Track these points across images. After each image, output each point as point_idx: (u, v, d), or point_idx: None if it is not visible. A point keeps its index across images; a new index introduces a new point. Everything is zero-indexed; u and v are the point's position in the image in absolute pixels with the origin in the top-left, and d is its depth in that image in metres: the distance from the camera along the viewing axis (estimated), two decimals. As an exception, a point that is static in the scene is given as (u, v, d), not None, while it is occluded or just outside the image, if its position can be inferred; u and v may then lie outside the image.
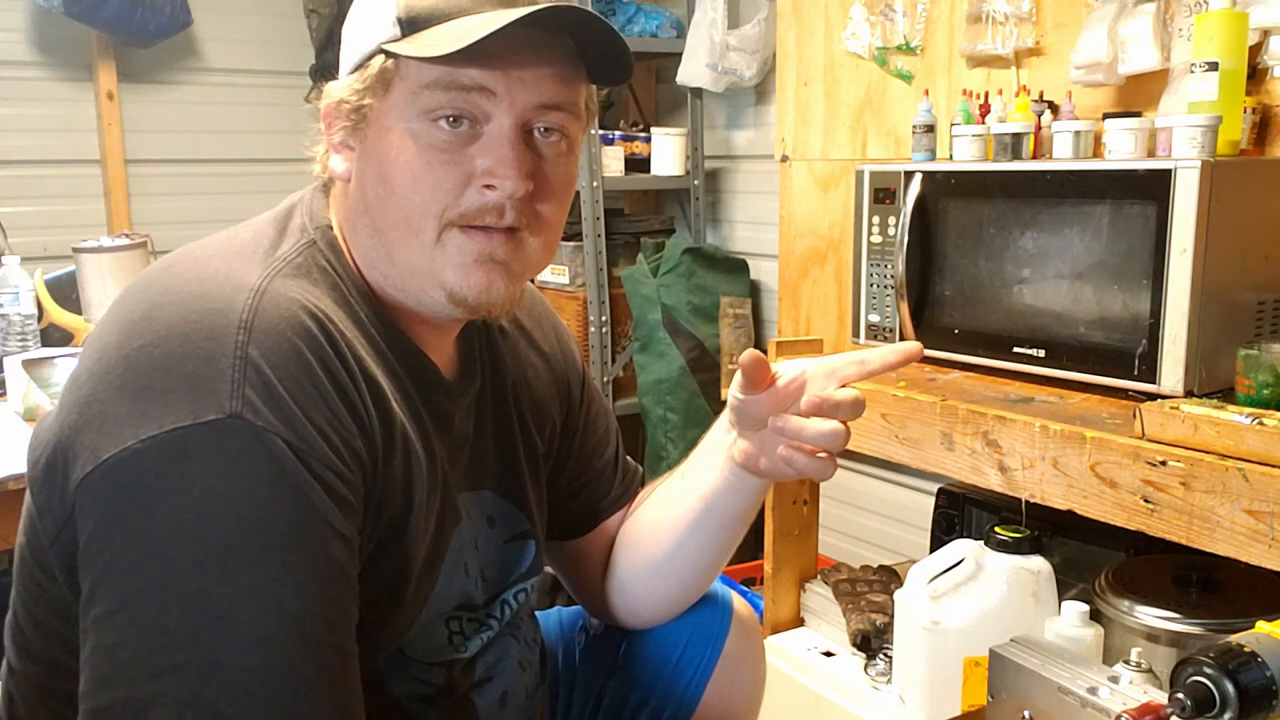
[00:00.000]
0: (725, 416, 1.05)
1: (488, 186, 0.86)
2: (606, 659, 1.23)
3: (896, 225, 1.77)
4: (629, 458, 1.25)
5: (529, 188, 0.86)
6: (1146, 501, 1.30)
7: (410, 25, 0.85)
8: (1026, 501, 1.46)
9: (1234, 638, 0.95)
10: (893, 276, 1.79)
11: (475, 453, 1.02)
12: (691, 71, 2.76)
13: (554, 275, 3.00)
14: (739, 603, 1.25)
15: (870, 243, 1.85)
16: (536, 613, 1.21)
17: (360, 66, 0.88)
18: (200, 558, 0.73)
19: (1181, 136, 1.45)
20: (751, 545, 2.75)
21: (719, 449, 1.06)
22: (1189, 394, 1.40)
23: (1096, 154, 1.62)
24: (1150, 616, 1.44)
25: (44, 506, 0.80)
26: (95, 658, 0.73)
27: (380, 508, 0.85)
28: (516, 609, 1.07)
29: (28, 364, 1.84)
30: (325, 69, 0.96)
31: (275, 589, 0.74)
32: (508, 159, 0.85)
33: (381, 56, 0.86)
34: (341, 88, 0.89)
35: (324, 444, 0.78)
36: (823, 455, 0.96)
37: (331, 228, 0.92)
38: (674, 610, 1.19)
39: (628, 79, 0.92)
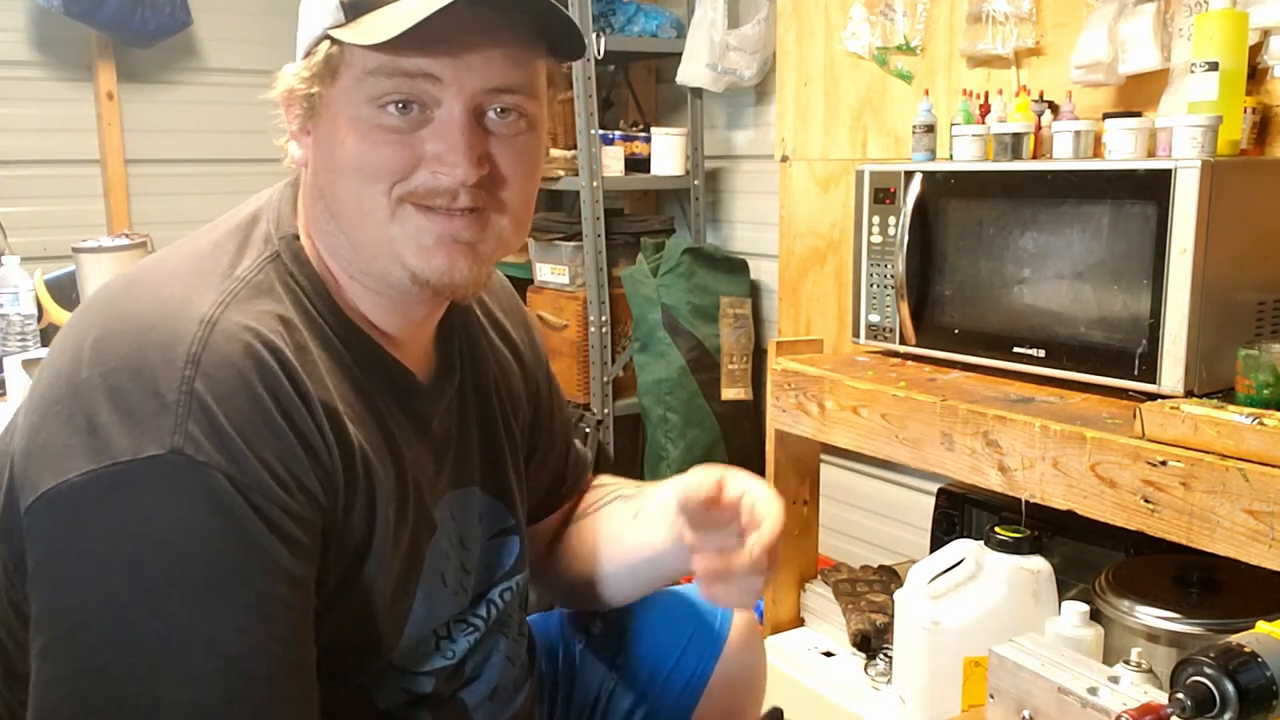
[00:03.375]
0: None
1: (434, 171, 0.84)
2: (606, 659, 1.23)
3: (896, 225, 1.77)
4: (577, 443, 1.26)
5: (482, 173, 0.85)
6: (1146, 501, 1.30)
7: (353, 9, 0.83)
8: (1026, 501, 1.46)
9: (1234, 638, 0.95)
10: (893, 276, 1.79)
11: (460, 450, 1.01)
12: (691, 71, 2.76)
13: (554, 275, 3.00)
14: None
15: (870, 243, 1.85)
16: (539, 615, 1.21)
17: (309, 53, 0.86)
18: (138, 593, 0.72)
19: (1181, 136, 1.45)
20: (751, 545, 2.75)
21: (672, 517, 1.01)
22: (1189, 394, 1.40)
23: (1096, 154, 1.62)
24: (1150, 616, 1.44)
25: (4, 530, 0.79)
26: (37, 690, 0.73)
27: (343, 536, 0.84)
28: (503, 607, 1.06)
29: (28, 364, 1.84)
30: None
31: (214, 626, 0.73)
32: (457, 145, 0.83)
33: (327, 42, 0.84)
34: (292, 75, 0.87)
35: (270, 479, 0.77)
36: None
37: (298, 236, 0.90)
38: (603, 608, 1.21)
39: (582, 54, 0.91)
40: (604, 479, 1.26)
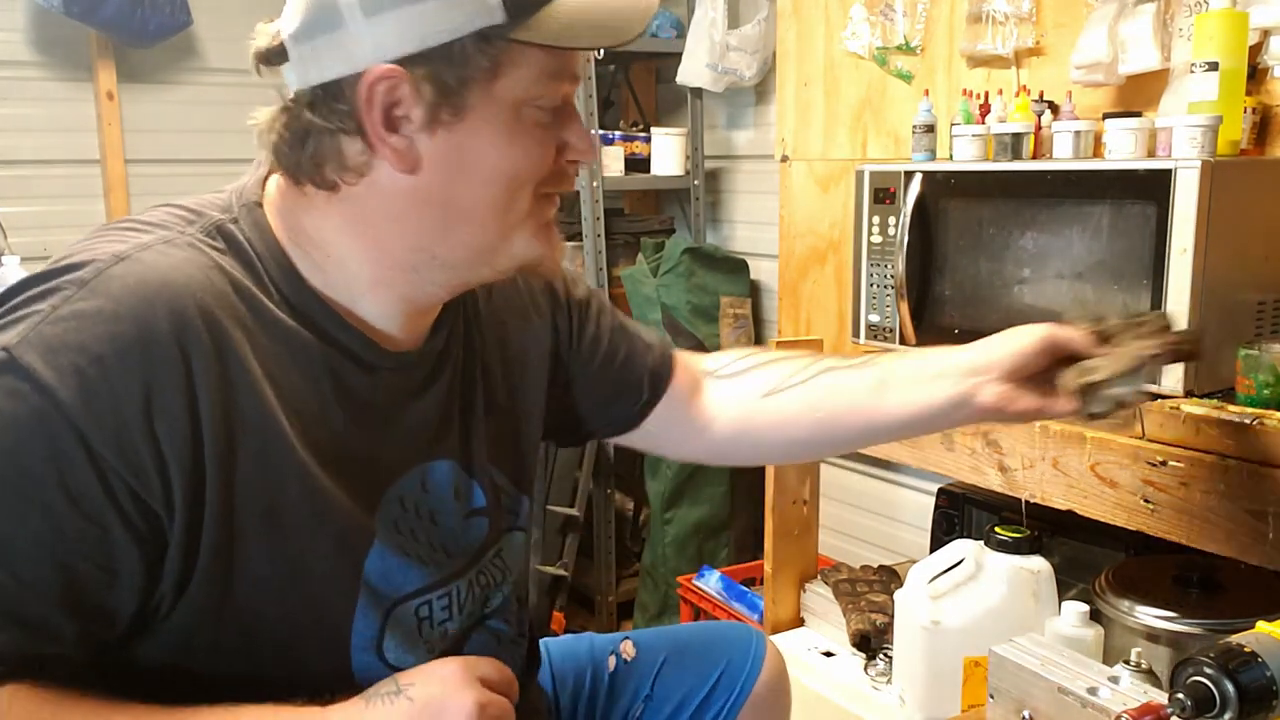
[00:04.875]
0: (968, 362, 1.13)
1: (573, 160, 0.89)
2: (635, 687, 1.23)
3: (897, 225, 1.77)
4: (647, 338, 1.22)
5: None
6: (1147, 501, 1.30)
7: (517, 7, 0.81)
8: (1026, 501, 1.46)
9: (1234, 638, 0.95)
10: (893, 276, 1.79)
11: (443, 421, 0.99)
12: (691, 71, 2.76)
13: (554, 275, 3.00)
14: (770, 645, 1.26)
15: (870, 243, 1.85)
16: (569, 636, 1.22)
17: (445, 51, 0.80)
18: None
19: (1181, 136, 1.45)
20: (752, 545, 2.76)
21: (951, 385, 1.11)
22: (1189, 394, 1.40)
23: (1097, 154, 1.62)
24: (1150, 617, 1.44)
25: None
26: None
27: (224, 494, 0.81)
28: (479, 593, 1.02)
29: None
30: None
31: None
32: (584, 133, 0.89)
33: (484, 42, 0.81)
34: (430, 76, 0.81)
35: (87, 413, 0.75)
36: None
37: (260, 205, 0.89)
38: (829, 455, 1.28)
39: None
40: (736, 354, 1.26)
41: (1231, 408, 1.27)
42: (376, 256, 0.88)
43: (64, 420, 0.74)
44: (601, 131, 2.83)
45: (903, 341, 1.80)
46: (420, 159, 0.84)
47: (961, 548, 1.62)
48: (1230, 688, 0.91)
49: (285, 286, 0.87)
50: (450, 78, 0.81)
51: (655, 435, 1.21)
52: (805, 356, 1.22)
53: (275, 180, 0.91)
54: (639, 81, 3.24)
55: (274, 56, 0.84)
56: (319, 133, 0.84)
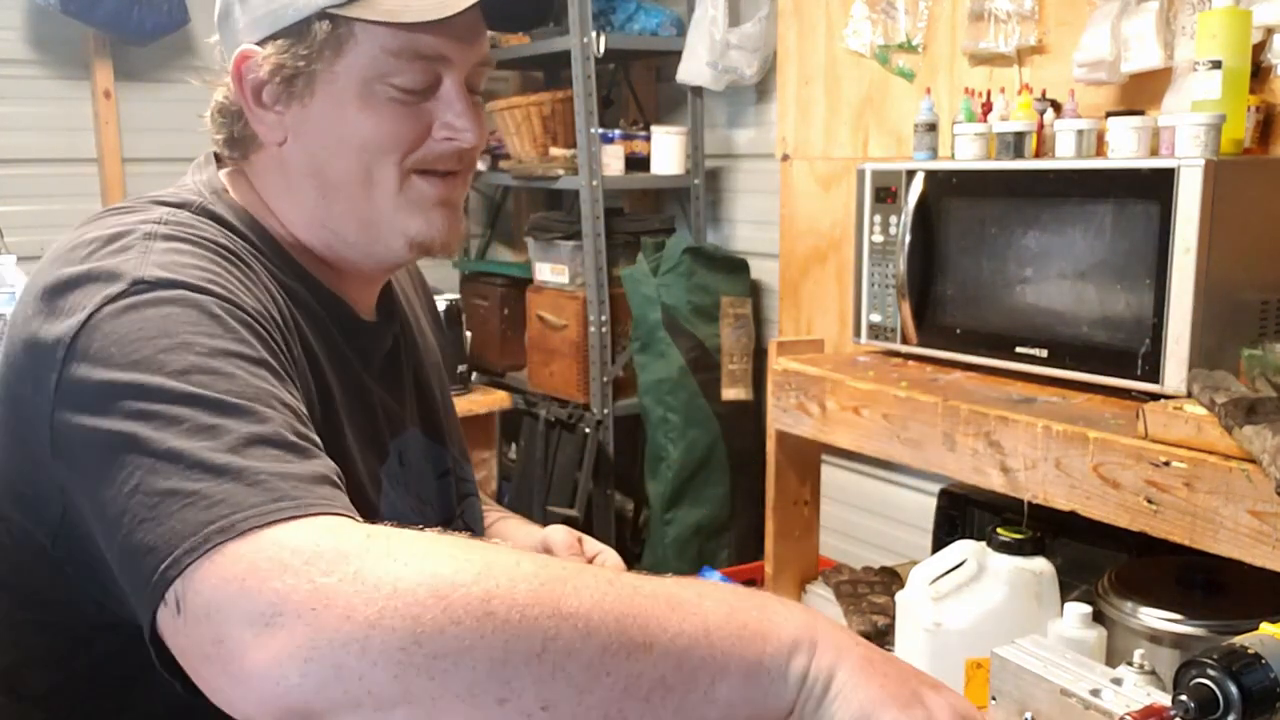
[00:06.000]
0: None
1: (448, 139, 0.91)
2: None
3: (898, 224, 1.77)
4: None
5: (485, 138, 0.93)
6: (1150, 502, 1.29)
7: None
8: (1029, 502, 1.46)
9: (1238, 639, 0.95)
10: (894, 276, 1.78)
11: (413, 393, 1.06)
12: (692, 70, 2.75)
13: (554, 275, 2.99)
14: None
15: (872, 242, 1.84)
16: None
17: (295, 30, 0.87)
18: None
19: (1185, 135, 1.45)
20: (753, 546, 2.75)
21: None
22: (1192, 394, 1.40)
23: (1099, 153, 1.61)
24: (1153, 618, 1.43)
25: None
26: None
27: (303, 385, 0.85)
28: None
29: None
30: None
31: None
32: (466, 113, 0.91)
33: (327, 21, 0.86)
34: (281, 54, 0.88)
35: (231, 295, 0.79)
36: None
37: (228, 191, 0.94)
38: None
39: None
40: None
41: (1235, 408, 1.26)
42: (302, 229, 0.94)
43: (216, 300, 0.78)
44: (601, 130, 2.83)
45: (904, 341, 1.80)
46: (286, 132, 0.91)
47: (963, 549, 1.61)
48: (1234, 689, 0.90)
49: (273, 257, 0.92)
50: (299, 55, 0.87)
51: None
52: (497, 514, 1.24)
53: (226, 172, 0.97)
54: (639, 80, 3.24)
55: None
56: (232, 113, 0.93)
